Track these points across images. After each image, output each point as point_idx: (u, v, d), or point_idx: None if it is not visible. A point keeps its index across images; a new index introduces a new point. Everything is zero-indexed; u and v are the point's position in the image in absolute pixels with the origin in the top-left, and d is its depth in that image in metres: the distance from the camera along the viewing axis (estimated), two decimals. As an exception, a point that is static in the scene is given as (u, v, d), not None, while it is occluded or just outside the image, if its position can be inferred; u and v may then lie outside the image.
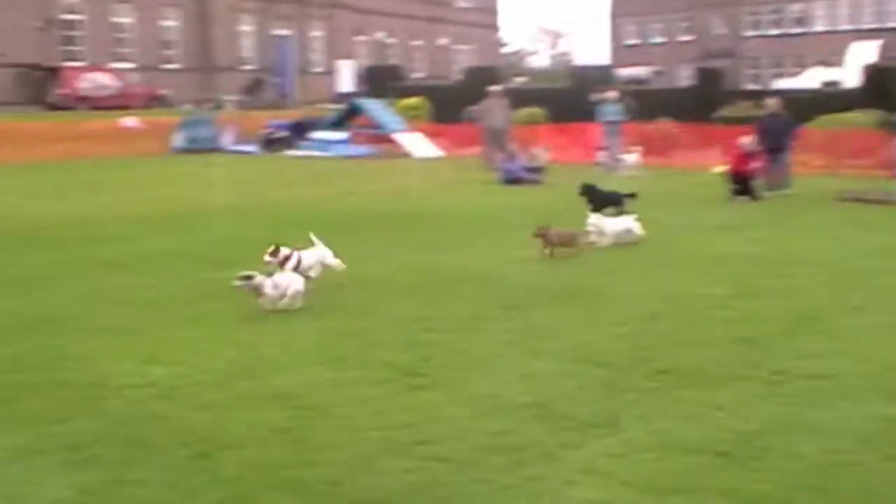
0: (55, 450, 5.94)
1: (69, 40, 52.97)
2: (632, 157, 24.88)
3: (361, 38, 70.23)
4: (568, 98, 37.06)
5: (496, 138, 25.34)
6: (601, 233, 13.10)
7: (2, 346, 8.28)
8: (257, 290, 9.08)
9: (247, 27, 62.09)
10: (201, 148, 32.86)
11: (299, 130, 34.80)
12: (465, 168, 25.54)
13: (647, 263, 12.02)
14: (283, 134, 34.66)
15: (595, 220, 13.23)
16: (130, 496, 5.29)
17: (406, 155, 30.57)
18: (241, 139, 34.95)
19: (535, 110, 34.88)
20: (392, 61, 66.23)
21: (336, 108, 40.29)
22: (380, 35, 72.65)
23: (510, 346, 8.16)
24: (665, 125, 29.46)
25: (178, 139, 34.08)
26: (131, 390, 7.08)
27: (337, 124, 34.82)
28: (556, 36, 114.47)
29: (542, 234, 12.12)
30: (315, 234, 10.49)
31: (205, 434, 6.14)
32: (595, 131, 26.91)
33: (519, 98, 31.98)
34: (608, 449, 5.85)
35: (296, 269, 9.79)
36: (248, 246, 13.16)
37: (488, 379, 7.24)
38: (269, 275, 9.18)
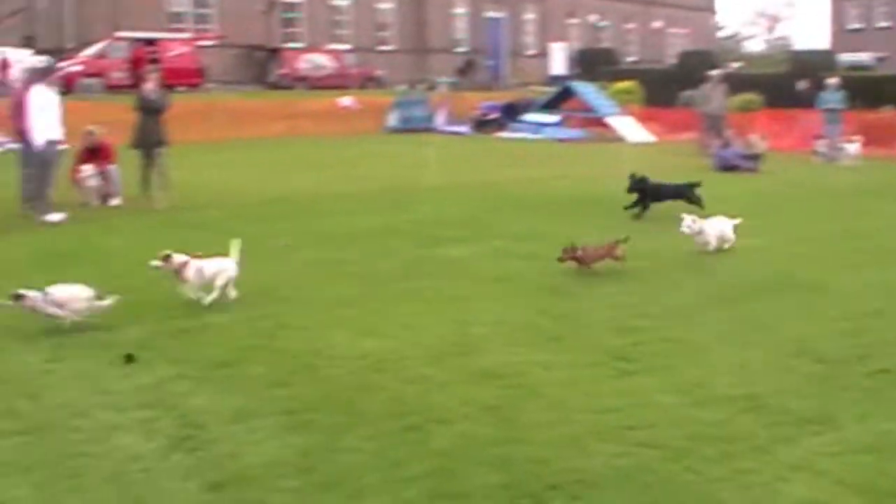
0: (273, 413, 6.19)
1: (289, 22, 54.65)
2: (852, 147, 24.00)
3: (574, 20, 69.87)
4: (785, 84, 36.05)
5: (713, 124, 24.82)
6: (702, 236, 11.56)
7: (228, 313, 8.65)
8: (33, 310, 7.97)
9: (460, 9, 62.65)
10: (414, 128, 33.52)
11: (511, 112, 35.01)
12: (678, 153, 25.08)
13: (867, 256, 11.56)
14: (495, 115, 34.97)
15: (690, 221, 11.55)
16: (344, 462, 5.46)
17: (618, 139, 30.29)
18: (454, 120, 35.38)
19: (751, 96, 33.97)
20: (605, 44, 65.82)
21: (548, 90, 40.32)
22: (593, 18, 72.07)
23: (722, 336, 8.01)
24: (889, 114, 28.30)
25: (393, 119, 34.83)
26: (345, 361, 7.30)
27: (549, 107, 34.84)
28: (774, 20, 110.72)
29: (571, 258, 10.27)
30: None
31: (415, 407, 6.28)
32: (814, 119, 26.08)
33: (735, 83, 31.21)
34: (823, 447, 5.68)
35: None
36: (459, 226, 13.37)
37: (699, 368, 7.14)
38: (45, 292, 7.98)
